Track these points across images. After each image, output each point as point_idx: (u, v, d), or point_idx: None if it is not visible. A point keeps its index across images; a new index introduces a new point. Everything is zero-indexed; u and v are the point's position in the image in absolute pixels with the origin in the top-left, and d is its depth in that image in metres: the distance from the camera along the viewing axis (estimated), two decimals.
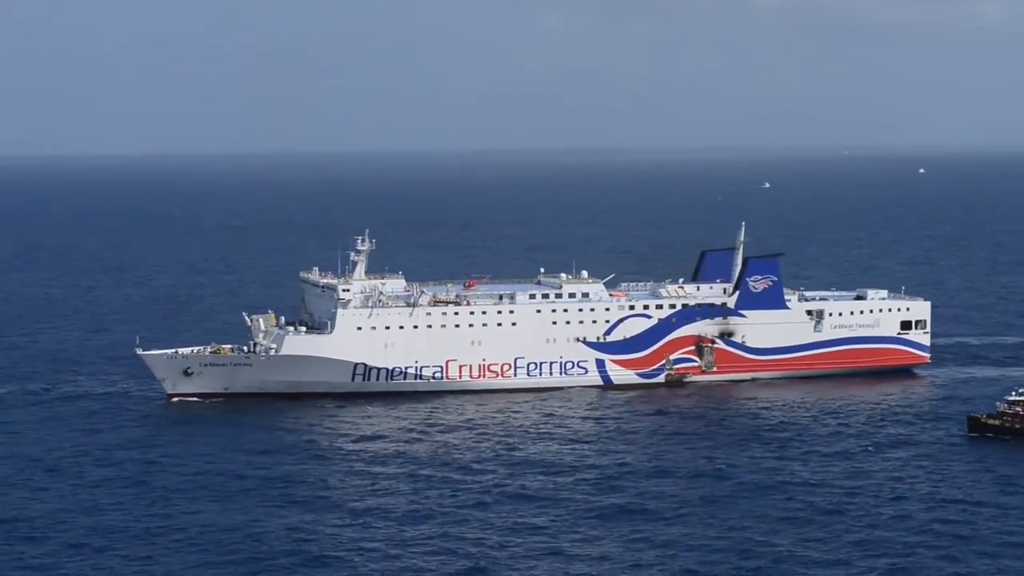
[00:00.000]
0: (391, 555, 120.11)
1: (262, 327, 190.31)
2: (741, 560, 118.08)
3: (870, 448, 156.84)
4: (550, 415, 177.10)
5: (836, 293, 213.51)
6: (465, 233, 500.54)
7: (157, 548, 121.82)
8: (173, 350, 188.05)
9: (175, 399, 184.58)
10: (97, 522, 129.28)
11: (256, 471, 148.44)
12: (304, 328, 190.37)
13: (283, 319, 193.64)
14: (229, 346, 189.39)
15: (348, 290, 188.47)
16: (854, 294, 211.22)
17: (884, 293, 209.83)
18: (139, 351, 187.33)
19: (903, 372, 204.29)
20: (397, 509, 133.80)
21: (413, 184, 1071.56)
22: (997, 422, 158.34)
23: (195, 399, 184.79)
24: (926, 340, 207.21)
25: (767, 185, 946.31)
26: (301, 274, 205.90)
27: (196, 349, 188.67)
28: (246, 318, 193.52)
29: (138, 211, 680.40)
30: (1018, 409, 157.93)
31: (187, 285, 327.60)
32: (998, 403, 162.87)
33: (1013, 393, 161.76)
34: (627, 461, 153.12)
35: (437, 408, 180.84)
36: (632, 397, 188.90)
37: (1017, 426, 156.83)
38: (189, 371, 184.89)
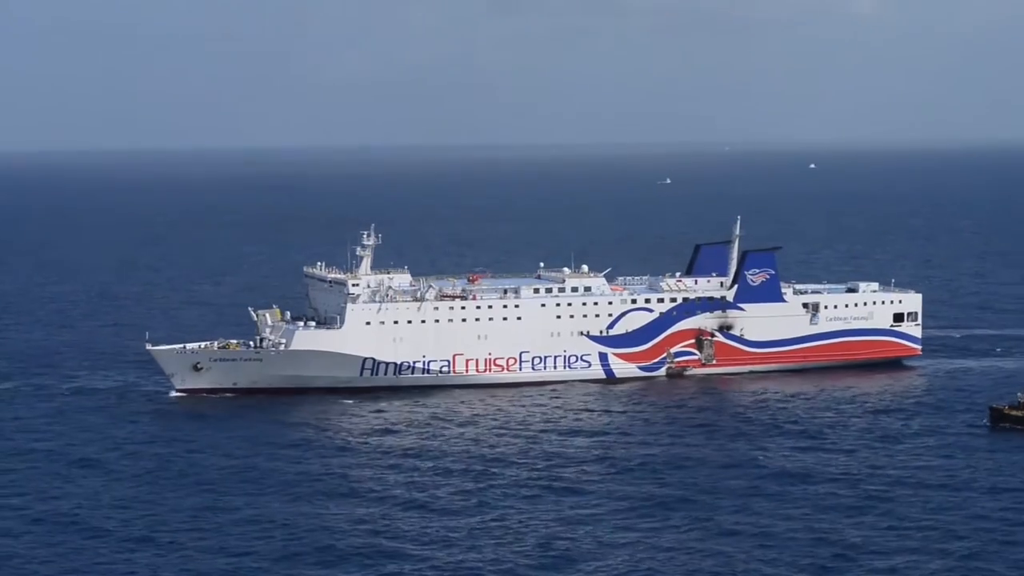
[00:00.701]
0: (469, 546, 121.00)
1: (268, 322, 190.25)
2: (817, 548, 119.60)
3: (904, 440, 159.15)
4: (565, 408, 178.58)
5: (828, 286, 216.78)
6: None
7: (236, 539, 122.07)
8: (181, 345, 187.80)
9: (184, 394, 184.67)
10: (162, 517, 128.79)
11: (294, 465, 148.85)
12: (312, 323, 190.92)
13: (288, 314, 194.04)
14: (236, 341, 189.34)
15: (357, 285, 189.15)
16: (844, 287, 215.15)
17: (875, 286, 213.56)
18: (148, 346, 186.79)
19: (895, 364, 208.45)
20: (456, 502, 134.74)
21: (273, 179, 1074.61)
22: (1020, 413, 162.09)
23: (205, 394, 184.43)
24: (918, 332, 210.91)
25: (668, 181, 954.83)
26: (305, 269, 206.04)
27: (204, 344, 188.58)
28: (251, 313, 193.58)
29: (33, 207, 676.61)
30: None
31: (134, 281, 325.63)
32: (1019, 394, 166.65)
33: None
34: (660, 453, 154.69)
35: (451, 402, 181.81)
36: (638, 390, 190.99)
37: None
38: (199, 366, 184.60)
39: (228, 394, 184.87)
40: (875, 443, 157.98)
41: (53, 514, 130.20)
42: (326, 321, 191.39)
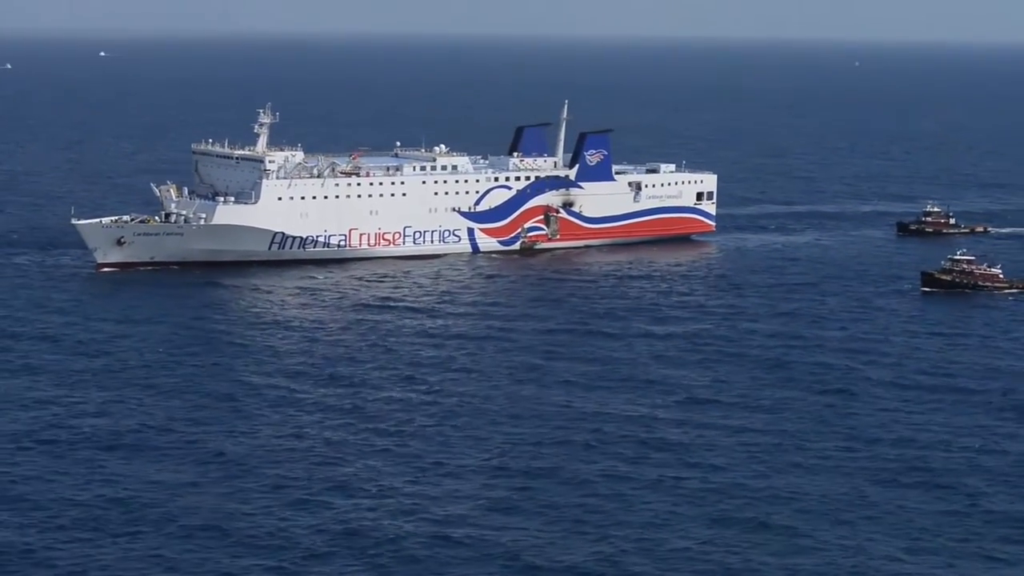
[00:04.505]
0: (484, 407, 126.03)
1: (173, 197, 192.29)
2: (819, 395, 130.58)
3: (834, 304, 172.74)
4: (464, 282, 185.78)
5: (628, 167, 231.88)
6: None
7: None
8: (99, 219, 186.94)
9: (106, 268, 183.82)
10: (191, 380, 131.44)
11: (283, 343, 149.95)
12: (231, 199, 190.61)
13: (186, 189, 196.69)
14: (152, 216, 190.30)
15: (273, 161, 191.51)
16: (645, 168, 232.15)
17: (672, 167, 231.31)
18: (74, 220, 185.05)
19: (688, 239, 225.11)
20: (439, 367, 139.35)
21: None
22: (948, 277, 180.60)
23: (124, 269, 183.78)
24: (713, 210, 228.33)
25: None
26: (194, 145, 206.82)
27: (126, 218, 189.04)
28: (154, 189, 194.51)
29: None
30: (963, 267, 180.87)
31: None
32: (943, 261, 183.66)
33: (957, 253, 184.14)
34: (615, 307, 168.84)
35: (365, 274, 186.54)
36: (512, 263, 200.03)
37: (963, 280, 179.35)
38: (122, 240, 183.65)
39: (146, 268, 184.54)
40: (830, 316, 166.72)
41: None
42: (241, 197, 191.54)
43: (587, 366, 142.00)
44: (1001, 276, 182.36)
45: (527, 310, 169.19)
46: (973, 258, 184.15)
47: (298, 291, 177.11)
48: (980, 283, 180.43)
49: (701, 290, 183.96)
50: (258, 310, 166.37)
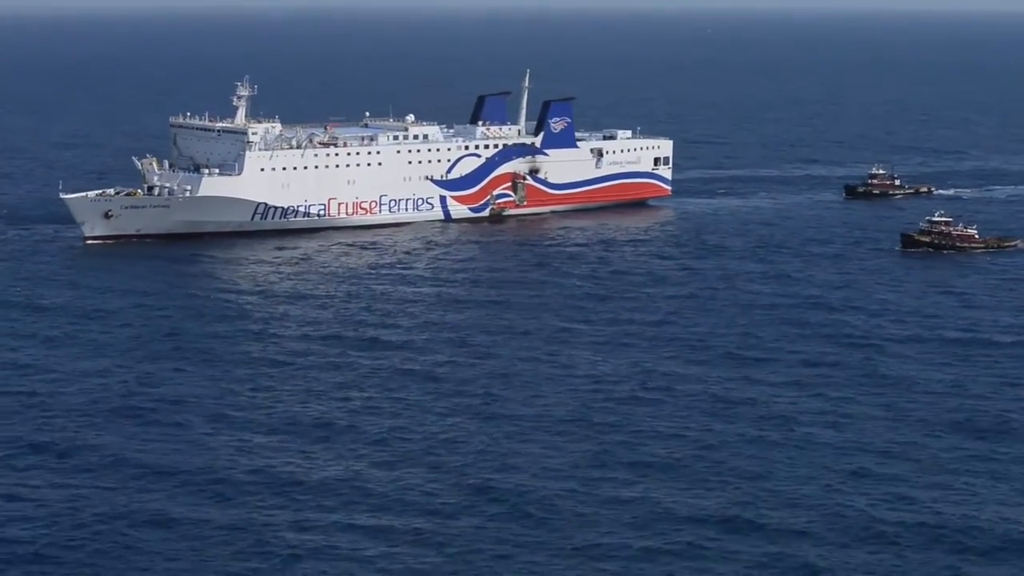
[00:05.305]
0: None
1: (156, 170, 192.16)
2: (855, 350, 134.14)
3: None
4: (450, 248, 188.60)
5: (585, 133, 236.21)
6: None
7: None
8: (85, 193, 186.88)
9: (94, 241, 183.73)
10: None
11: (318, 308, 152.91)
12: (216, 170, 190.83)
13: (166, 162, 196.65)
14: (136, 189, 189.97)
15: (256, 133, 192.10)
16: (602, 134, 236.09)
17: (629, 133, 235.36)
18: (63, 195, 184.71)
19: (646, 204, 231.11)
20: (475, 330, 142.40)
21: None
22: (927, 238, 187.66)
23: (111, 241, 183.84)
24: (669, 175, 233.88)
25: None
26: (171, 119, 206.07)
27: (110, 191, 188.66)
28: (136, 162, 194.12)
29: None
30: (941, 228, 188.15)
31: None
32: (920, 223, 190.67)
33: (935, 214, 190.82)
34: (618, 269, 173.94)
35: (350, 242, 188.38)
36: (486, 230, 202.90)
37: (940, 241, 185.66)
38: (110, 213, 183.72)
39: (133, 240, 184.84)
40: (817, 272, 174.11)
41: None
42: (224, 169, 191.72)
43: (613, 327, 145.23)
44: (976, 236, 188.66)
45: (530, 276, 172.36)
46: (950, 219, 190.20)
47: (296, 260, 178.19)
48: (958, 243, 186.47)
49: (686, 253, 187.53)
50: (267, 279, 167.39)
